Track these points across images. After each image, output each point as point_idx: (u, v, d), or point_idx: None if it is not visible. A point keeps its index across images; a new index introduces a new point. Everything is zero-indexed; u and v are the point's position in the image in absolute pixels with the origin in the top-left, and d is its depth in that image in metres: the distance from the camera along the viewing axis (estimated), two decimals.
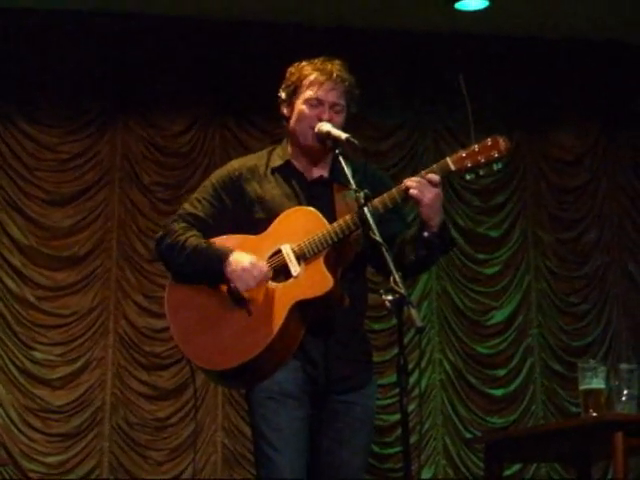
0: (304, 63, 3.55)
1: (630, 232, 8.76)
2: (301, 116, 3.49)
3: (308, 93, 3.48)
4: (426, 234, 3.35)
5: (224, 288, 3.38)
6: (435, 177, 3.30)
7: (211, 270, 3.38)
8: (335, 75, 3.47)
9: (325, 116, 3.45)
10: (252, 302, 3.34)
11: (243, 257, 3.35)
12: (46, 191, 7.99)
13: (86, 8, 8.03)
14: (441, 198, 3.33)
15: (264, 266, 3.34)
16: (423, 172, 3.33)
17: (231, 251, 3.37)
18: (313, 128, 3.45)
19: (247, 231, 3.47)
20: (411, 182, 3.30)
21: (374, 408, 3.54)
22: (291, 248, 3.36)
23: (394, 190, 3.34)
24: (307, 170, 3.56)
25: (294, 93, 3.52)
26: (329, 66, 3.50)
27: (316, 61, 3.53)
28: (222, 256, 3.37)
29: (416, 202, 3.31)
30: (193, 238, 3.46)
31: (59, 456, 7.62)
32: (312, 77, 3.48)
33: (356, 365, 3.45)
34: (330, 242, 3.32)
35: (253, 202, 3.50)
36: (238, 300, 3.35)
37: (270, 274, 3.35)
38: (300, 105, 3.49)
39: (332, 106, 3.47)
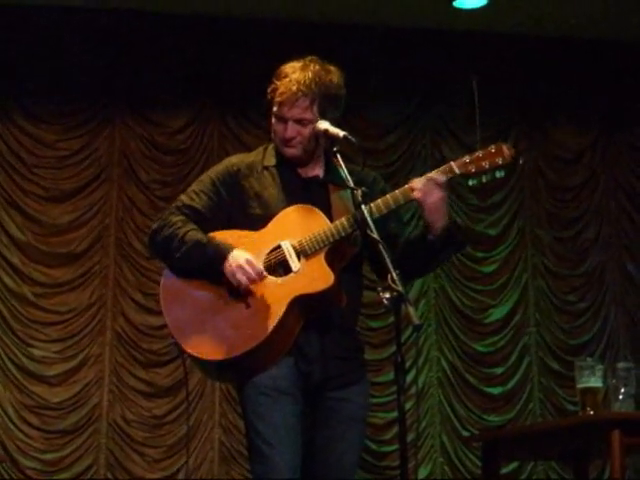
0: (282, 69, 3.49)
1: (628, 230, 8.76)
2: (273, 131, 3.52)
3: (274, 108, 3.48)
4: (430, 237, 3.36)
5: (223, 280, 3.39)
6: (440, 178, 3.31)
7: (211, 266, 3.37)
8: (297, 89, 3.41)
9: (287, 134, 3.45)
10: (251, 295, 3.35)
11: (241, 254, 3.34)
12: (44, 188, 7.99)
13: (84, 5, 8.03)
14: (446, 201, 3.34)
15: (258, 266, 3.34)
16: (428, 174, 3.33)
17: (232, 248, 3.37)
18: (284, 141, 3.46)
19: (242, 227, 3.47)
20: (415, 184, 3.31)
21: (367, 405, 3.55)
22: (291, 244, 3.37)
23: (398, 192, 3.34)
24: (301, 169, 3.56)
25: (269, 105, 3.52)
26: (297, 75, 3.43)
27: (292, 65, 3.48)
28: (223, 253, 3.36)
29: (419, 205, 3.32)
30: (193, 232, 3.44)
31: (56, 453, 7.62)
32: (279, 91, 3.45)
33: (349, 362, 3.46)
34: (331, 240, 3.33)
35: (250, 198, 3.50)
36: (237, 293, 3.36)
37: (264, 274, 3.34)
38: (272, 118, 3.51)
39: (297, 122, 3.45)
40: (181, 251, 3.42)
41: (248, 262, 3.32)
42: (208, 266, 3.38)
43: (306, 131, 3.45)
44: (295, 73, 3.44)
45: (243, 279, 3.32)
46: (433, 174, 3.32)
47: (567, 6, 8.15)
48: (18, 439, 7.58)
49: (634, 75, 8.74)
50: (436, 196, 3.29)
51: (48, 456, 7.61)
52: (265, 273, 3.35)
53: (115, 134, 8.17)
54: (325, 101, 3.45)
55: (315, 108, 3.44)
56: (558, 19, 8.36)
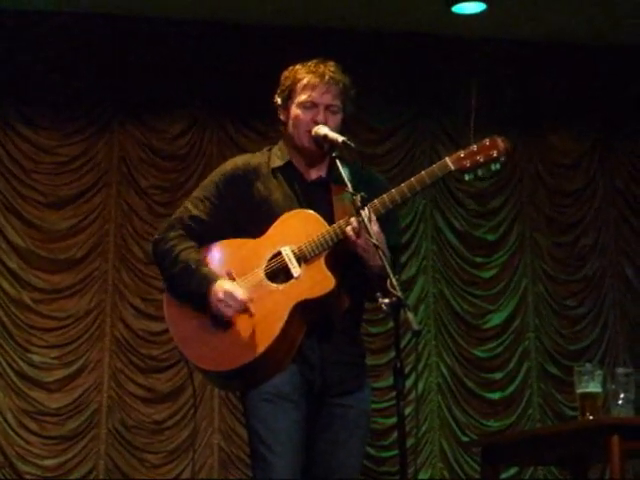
0: (297, 66, 3.54)
1: (627, 236, 8.76)
2: (297, 120, 3.49)
3: (302, 97, 3.48)
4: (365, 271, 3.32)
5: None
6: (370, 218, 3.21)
7: (195, 297, 3.39)
8: (328, 77, 3.47)
9: (320, 118, 3.44)
10: (253, 303, 3.34)
11: (221, 285, 3.34)
12: (43, 194, 7.98)
13: (84, 10, 8.04)
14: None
15: (240, 293, 3.33)
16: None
17: (215, 280, 3.36)
18: (309, 132, 3.45)
19: (247, 230, 3.46)
20: (354, 220, 3.25)
21: (369, 411, 3.54)
22: (291, 250, 3.36)
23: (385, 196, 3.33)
24: (306, 171, 3.56)
25: (289, 97, 3.52)
26: (322, 68, 3.49)
27: (310, 64, 3.53)
28: (206, 284, 3.36)
29: (351, 243, 3.28)
30: (185, 252, 3.45)
31: (55, 459, 7.61)
32: (305, 80, 3.48)
33: (351, 368, 3.46)
34: (330, 243, 3.32)
35: (257, 202, 3.50)
36: None
37: (247, 299, 3.33)
38: (295, 109, 3.49)
39: (327, 107, 3.47)
40: (171, 272, 3.45)
41: (226, 294, 3.32)
42: (192, 296, 3.40)
43: (334, 120, 3.47)
44: (318, 66, 3.50)
45: (227, 312, 3.33)
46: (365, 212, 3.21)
47: (565, 11, 8.15)
48: (17, 445, 7.56)
49: (633, 80, 8.75)
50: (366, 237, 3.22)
51: (47, 462, 7.59)
52: (247, 299, 3.32)
53: (114, 140, 8.16)
54: (346, 94, 3.51)
55: (341, 98, 3.50)
56: (557, 25, 8.36)
